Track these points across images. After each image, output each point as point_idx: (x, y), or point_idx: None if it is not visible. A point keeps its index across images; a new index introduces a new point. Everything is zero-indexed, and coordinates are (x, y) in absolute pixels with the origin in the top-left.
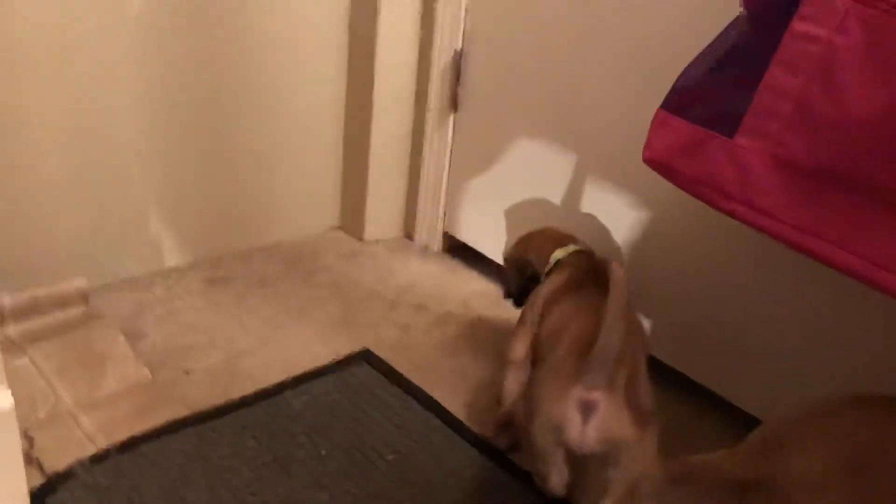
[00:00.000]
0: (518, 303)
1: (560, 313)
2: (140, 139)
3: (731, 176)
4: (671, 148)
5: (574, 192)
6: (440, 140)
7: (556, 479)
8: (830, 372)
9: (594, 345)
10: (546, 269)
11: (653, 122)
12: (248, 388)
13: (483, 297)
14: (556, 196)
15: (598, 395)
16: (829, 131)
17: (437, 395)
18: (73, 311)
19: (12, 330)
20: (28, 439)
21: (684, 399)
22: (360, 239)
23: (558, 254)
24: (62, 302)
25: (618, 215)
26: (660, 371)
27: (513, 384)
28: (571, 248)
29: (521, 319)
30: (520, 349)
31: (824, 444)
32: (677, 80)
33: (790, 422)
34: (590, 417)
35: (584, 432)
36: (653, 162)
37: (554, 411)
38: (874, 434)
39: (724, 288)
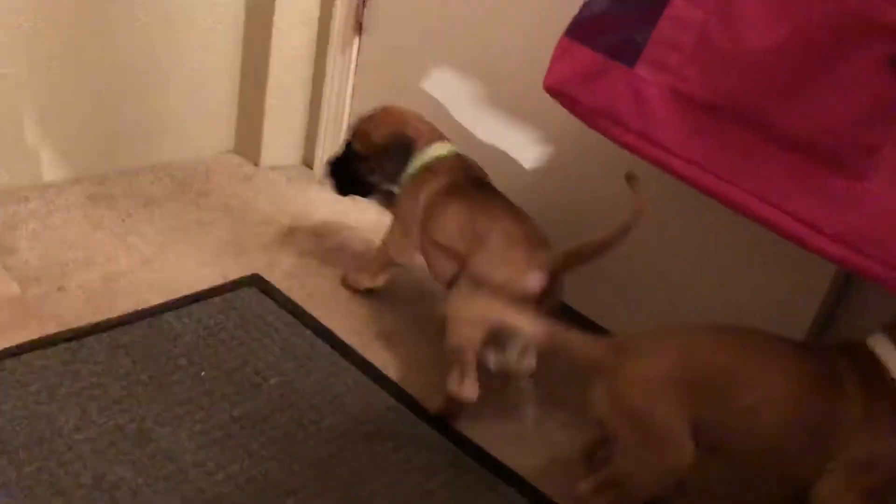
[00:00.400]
0: (347, 191)
1: (463, 216)
2: (19, 36)
3: (630, 107)
4: (572, 76)
5: (477, 123)
6: (343, 64)
7: (473, 384)
8: (712, 305)
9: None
10: (420, 161)
11: (555, 49)
12: (127, 309)
13: (382, 226)
14: (459, 126)
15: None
16: (727, 66)
17: (328, 322)
18: None
19: None
20: None
21: None
22: (256, 164)
23: (440, 150)
24: None
25: (520, 148)
26: None
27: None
28: (450, 147)
29: (402, 220)
30: (408, 251)
31: (668, 356)
32: (582, 8)
33: (650, 332)
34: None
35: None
36: (553, 90)
37: (516, 280)
38: (716, 357)
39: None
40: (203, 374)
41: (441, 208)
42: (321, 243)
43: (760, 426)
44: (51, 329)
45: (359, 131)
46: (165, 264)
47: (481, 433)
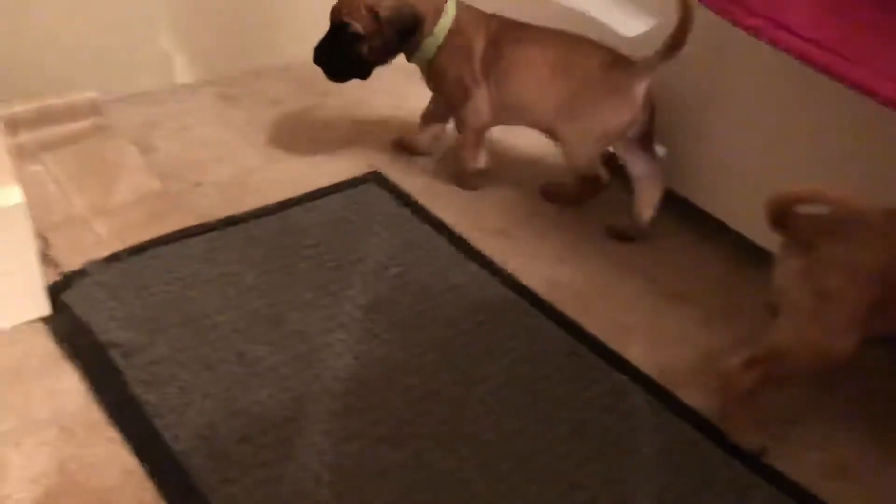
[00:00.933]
0: (344, 76)
1: (526, 59)
2: None
3: None
4: None
5: (582, 20)
6: None
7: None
8: None
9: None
10: (442, 28)
11: None
12: (258, 203)
13: (499, 127)
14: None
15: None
16: None
17: (445, 216)
18: (86, 123)
19: (26, 137)
20: (43, 240)
21: (689, 226)
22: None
23: (451, 9)
24: (74, 113)
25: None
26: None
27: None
28: (454, 2)
29: (459, 85)
30: (481, 110)
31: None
32: None
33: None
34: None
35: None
36: None
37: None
38: None
39: (737, 117)
40: (329, 264)
41: (510, 61)
42: (439, 141)
43: None
44: (190, 221)
45: (355, 10)
46: (291, 161)
47: (598, 325)
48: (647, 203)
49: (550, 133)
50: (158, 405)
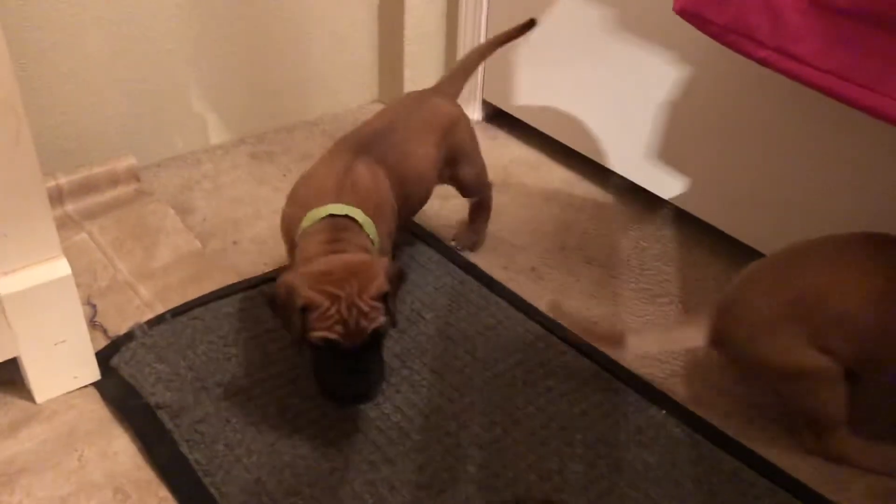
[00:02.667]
0: None
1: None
2: (177, 14)
3: (763, 21)
4: None
5: (612, 52)
6: (475, 5)
7: None
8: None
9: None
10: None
11: None
12: None
13: (523, 163)
14: (594, 56)
15: None
16: None
17: (475, 259)
18: (126, 189)
19: (70, 207)
20: (91, 307)
21: (718, 252)
22: None
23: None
24: (115, 180)
25: (657, 72)
26: (693, 224)
27: None
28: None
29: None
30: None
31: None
32: None
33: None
34: None
35: None
36: (684, 12)
37: None
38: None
39: (759, 144)
40: None
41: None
42: None
43: None
44: (231, 279)
45: None
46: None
47: (632, 357)
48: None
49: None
50: (206, 464)
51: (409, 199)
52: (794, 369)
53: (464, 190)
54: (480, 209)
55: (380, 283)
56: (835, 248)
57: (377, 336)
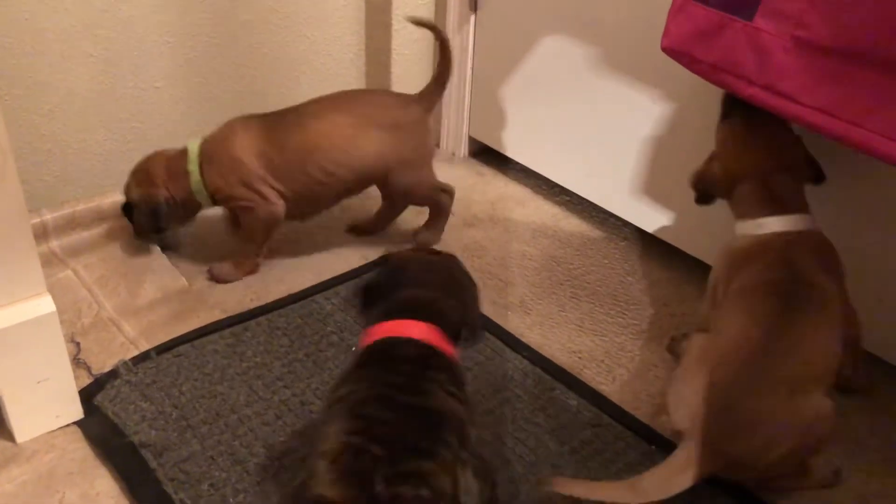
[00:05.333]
0: (143, 236)
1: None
2: (165, 52)
3: (751, 60)
4: (690, 35)
5: (598, 88)
6: (461, 43)
7: None
8: None
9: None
10: (194, 177)
11: (671, 9)
12: (281, 293)
13: (510, 199)
14: (580, 92)
15: None
16: (850, 7)
17: None
18: (111, 225)
19: (55, 244)
20: (75, 344)
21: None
22: None
23: (192, 148)
24: (100, 216)
25: (642, 108)
26: (681, 258)
27: None
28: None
29: (252, 192)
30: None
31: None
32: None
33: None
34: None
35: None
36: (671, 50)
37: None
38: None
39: None
40: (353, 348)
41: (304, 143)
42: (452, 219)
43: None
44: (217, 315)
45: (126, 184)
46: (311, 249)
47: (621, 394)
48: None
49: (384, 185)
50: None
51: (313, 173)
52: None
53: (395, 195)
54: (437, 213)
55: None
56: None
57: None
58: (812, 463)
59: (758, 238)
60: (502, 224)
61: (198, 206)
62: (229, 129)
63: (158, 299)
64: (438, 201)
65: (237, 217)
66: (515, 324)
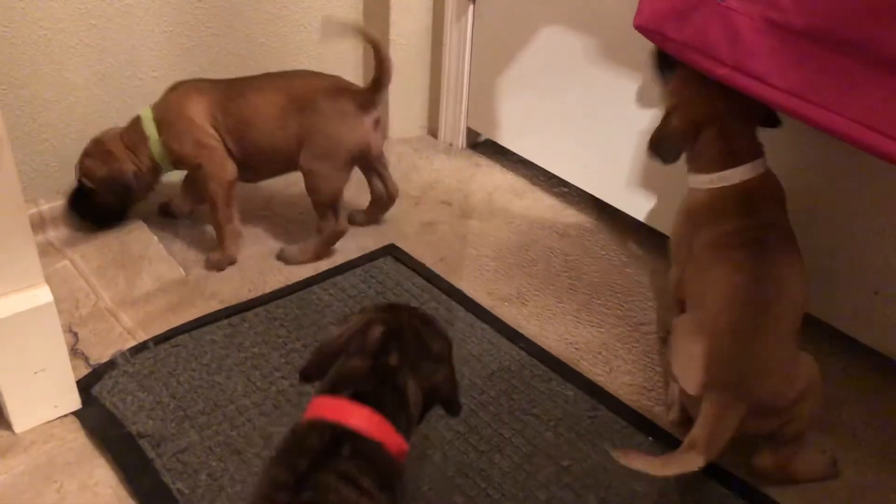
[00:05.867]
0: (99, 223)
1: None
2: (162, 42)
3: (722, 40)
4: (662, 13)
5: (596, 79)
6: (459, 34)
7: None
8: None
9: (377, 77)
10: (152, 140)
11: None
12: (279, 284)
13: (507, 190)
14: (578, 83)
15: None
16: None
17: (461, 285)
18: None
19: (52, 234)
20: (73, 335)
21: None
22: (385, 138)
23: (145, 114)
24: None
25: (640, 100)
26: None
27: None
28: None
29: (200, 149)
30: (229, 168)
31: None
32: None
33: None
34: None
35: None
36: (643, 28)
37: (358, 138)
38: None
39: None
40: None
41: (240, 116)
42: (450, 210)
43: None
44: (214, 306)
45: (84, 169)
46: (308, 240)
47: (617, 384)
48: (381, 214)
49: (377, 177)
50: (190, 493)
51: (249, 142)
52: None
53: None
54: (315, 232)
55: None
56: None
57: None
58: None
59: (720, 190)
60: (500, 215)
61: (159, 171)
62: (183, 92)
63: (156, 289)
64: (319, 212)
65: (195, 184)
66: (512, 315)
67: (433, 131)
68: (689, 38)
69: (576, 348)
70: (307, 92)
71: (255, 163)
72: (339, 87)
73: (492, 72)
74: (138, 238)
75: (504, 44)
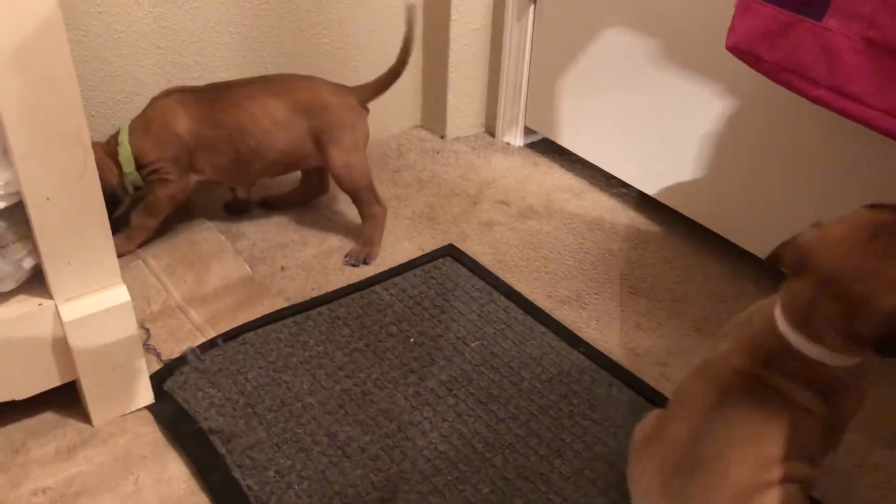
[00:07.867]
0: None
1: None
2: (228, 42)
3: (818, 61)
4: (756, 34)
5: (658, 81)
6: (519, 33)
7: None
8: None
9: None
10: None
11: (737, 6)
12: (341, 283)
13: (566, 190)
14: (640, 85)
15: None
16: None
17: (519, 286)
18: (179, 216)
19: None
20: (145, 331)
21: (764, 283)
22: (442, 137)
23: (122, 133)
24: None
25: (702, 103)
26: (739, 255)
27: None
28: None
29: (171, 166)
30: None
31: None
32: None
33: None
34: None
35: None
36: (736, 49)
37: (366, 128)
38: None
39: (802, 177)
40: (412, 340)
41: (237, 123)
42: (507, 210)
43: None
44: (280, 304)
45: None
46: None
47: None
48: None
49: (318, 169)
50: (258, 490)
51: (246, 149)
52: None
53: (335, 179)
54: (365, 221)
55: None
56: None
57: None
58: None
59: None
60: (558, 216)
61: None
62: (168, 105)
63: (223, 287)
64: (364, 201)
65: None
66: (571, 318)
67: (490, 129)
68: (782, 58)
69: (636, 354)
70: (312, 94)
71: (248, 167)
72: (337, 85)
73: (551, 71)
74: (206, 237)
75: (564, 43)
